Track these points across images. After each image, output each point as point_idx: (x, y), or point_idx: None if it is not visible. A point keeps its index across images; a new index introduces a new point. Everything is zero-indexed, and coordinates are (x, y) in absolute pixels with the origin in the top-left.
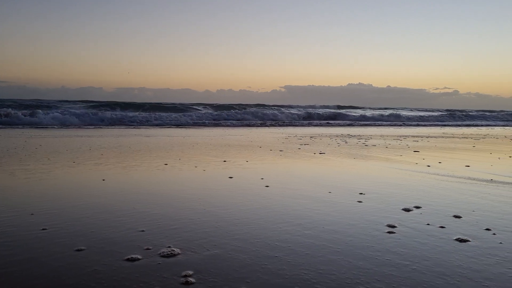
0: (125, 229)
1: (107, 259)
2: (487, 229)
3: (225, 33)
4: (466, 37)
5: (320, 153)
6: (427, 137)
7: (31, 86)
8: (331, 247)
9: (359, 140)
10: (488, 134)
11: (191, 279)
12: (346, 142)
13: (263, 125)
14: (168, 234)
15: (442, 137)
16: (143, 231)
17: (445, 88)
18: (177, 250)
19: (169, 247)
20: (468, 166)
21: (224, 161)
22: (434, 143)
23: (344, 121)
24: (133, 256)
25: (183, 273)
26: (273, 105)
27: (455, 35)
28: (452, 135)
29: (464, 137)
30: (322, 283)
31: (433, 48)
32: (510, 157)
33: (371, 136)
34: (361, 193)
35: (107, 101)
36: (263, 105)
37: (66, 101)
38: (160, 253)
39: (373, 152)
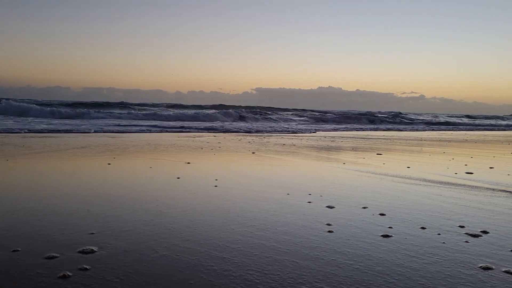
0: (74, 232)
1: (50, 262)
2: (432, 230)
3: (195, 35)
4: (432, 43)
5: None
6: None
7: None
8: (280, 248)
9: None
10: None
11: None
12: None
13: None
14: (118, 236)
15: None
16: (92, 233)
17: (412, 92)
18: (125, 253)
19: (118, 250)
20: (408, 167)
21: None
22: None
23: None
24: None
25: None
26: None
27: (422, 41)
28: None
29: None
30: (264, 283)
31: (400, 53)
32: (453, 159)
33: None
34: (311, 195)
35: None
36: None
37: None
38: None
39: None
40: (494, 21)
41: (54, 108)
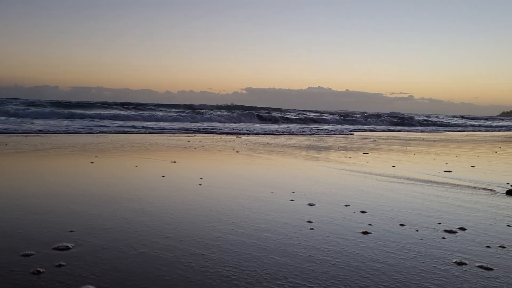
0: (54, 229)
1: (25, 259)
2: (411, 226)
3: (186, 36)
4: (421, 44)
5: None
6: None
7: None
8: (259, 245)
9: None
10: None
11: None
12: None
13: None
14: (97, 233)
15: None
16: (72, 231)
17: (401, 93)
18: (102, 250)
19: (95, 248)
20: (393, 166)
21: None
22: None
23: None
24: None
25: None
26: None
27: (412, 42)
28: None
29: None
30: (241, 279)
31: (390, 54)
32: (437, 158)
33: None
34: (295, 193)
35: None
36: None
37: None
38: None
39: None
40: (482, 23)
41: (40, 107)
